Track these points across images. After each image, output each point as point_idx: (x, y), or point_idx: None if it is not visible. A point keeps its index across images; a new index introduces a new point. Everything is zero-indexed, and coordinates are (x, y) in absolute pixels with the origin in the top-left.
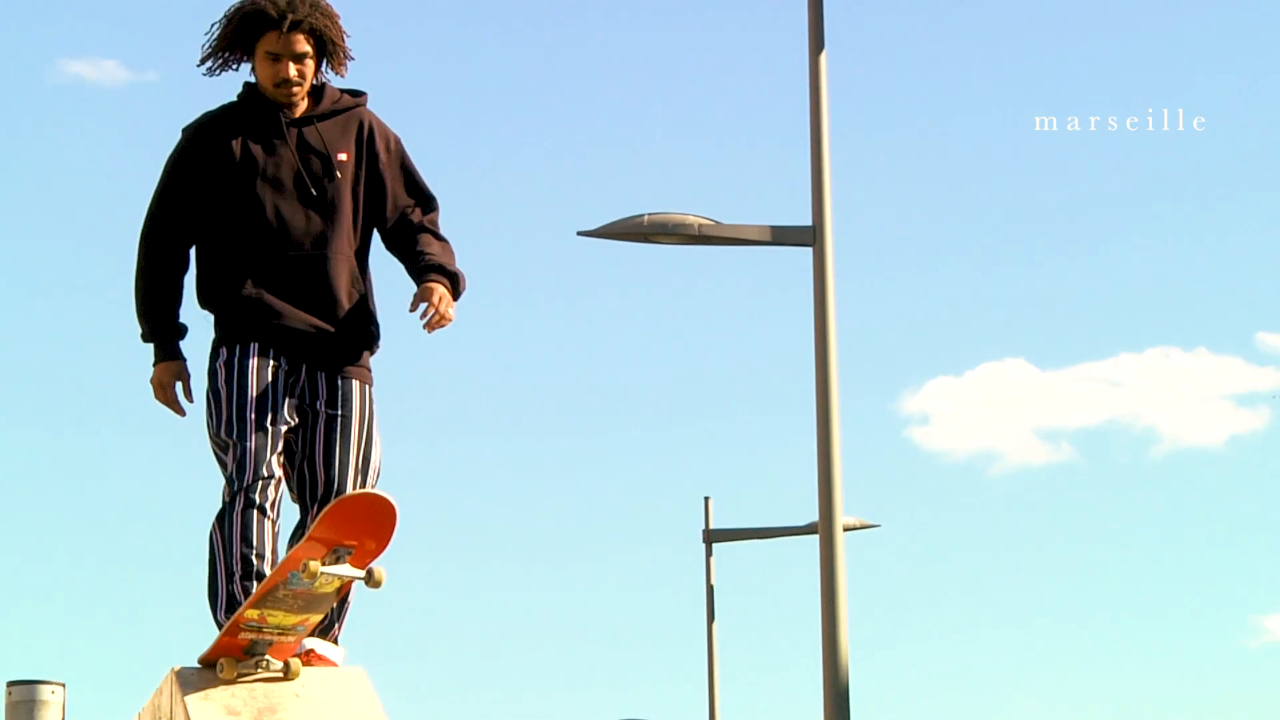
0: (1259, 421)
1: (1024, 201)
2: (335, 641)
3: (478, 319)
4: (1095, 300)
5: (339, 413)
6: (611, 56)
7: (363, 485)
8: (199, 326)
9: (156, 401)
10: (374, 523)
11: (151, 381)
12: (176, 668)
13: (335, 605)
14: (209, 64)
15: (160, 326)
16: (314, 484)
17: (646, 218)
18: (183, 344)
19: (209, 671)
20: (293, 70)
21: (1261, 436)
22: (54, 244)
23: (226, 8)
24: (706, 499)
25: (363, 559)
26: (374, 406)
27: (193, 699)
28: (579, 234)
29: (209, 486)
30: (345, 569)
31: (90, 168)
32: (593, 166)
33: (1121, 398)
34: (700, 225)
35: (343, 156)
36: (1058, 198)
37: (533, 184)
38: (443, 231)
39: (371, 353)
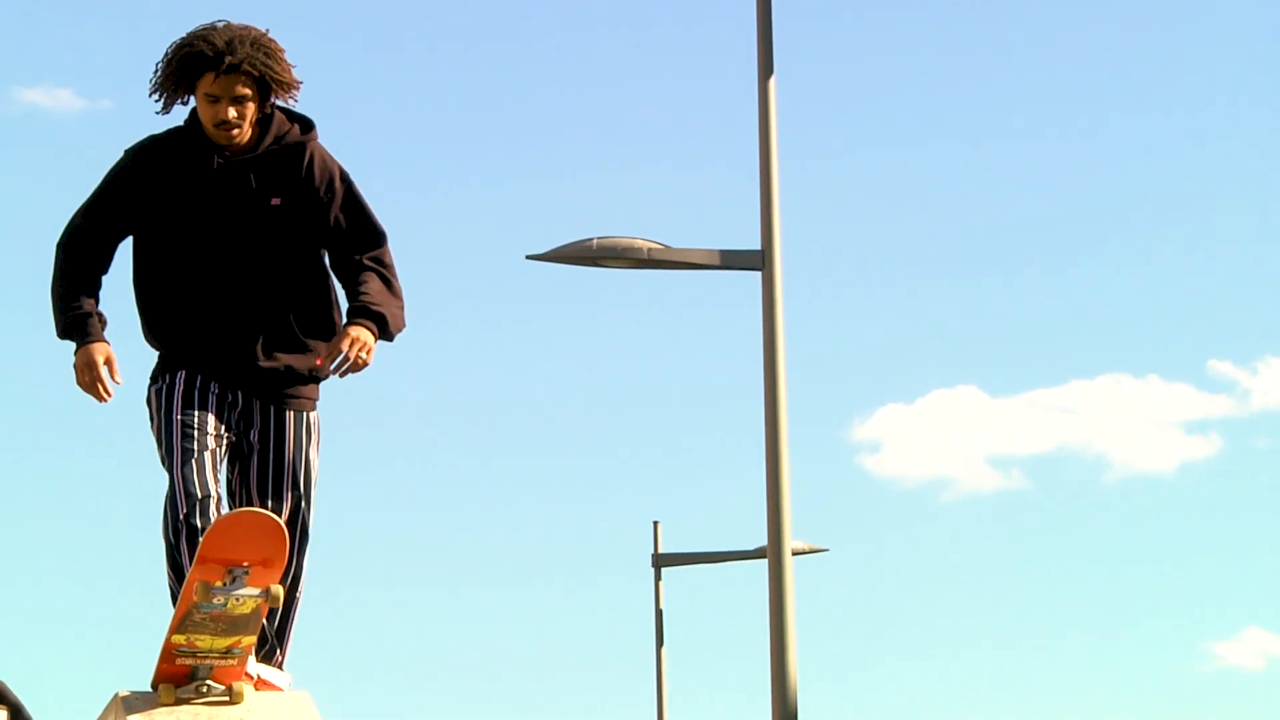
0: (1210, 449)
1: (975, 227)
2: (280, 666)
3: (426, 344)
4: (1047, 327)
5: (271, 443)
6: (560, 80)
7: (298, 514)
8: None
9: (78, 387)
10: (259, 540)
11: (75, 365)
12: (121, 692)
13: (278, 629)
14: (157, 101)
15: (78, 315)
16: None
17: (595, 242)
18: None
19: (154, 696)
20: (231, 112)
21: (1212, 464)
22: (8, 272)
23: (169, 44)
24: (655, 524)
25: (261, 578)
26: (314, 431)
27: None
28: (528, 258)
29: (156, 509)
30: (243, 589)
31: (45, 196)
32: (541, 190)
33: (1073, 425)
34: (649, 249)
35: (275, 201)
36: (1009, 223)
37: (481, 208)
38: (393, 260)
39: (315, 380)
